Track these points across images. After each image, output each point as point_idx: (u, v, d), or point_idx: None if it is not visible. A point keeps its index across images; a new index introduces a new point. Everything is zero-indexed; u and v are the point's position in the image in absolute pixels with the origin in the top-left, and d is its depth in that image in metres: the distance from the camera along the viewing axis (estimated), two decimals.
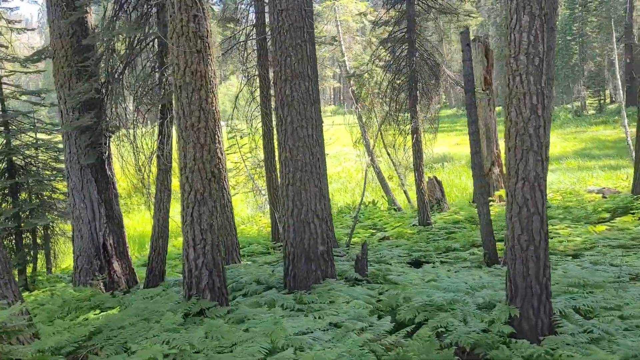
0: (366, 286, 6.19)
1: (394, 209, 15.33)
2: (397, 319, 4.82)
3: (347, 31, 16.92)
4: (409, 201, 15.85)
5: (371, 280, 6.97)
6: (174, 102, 5.25)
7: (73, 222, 7.57)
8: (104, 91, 7.24)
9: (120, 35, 6.72)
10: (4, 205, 9.38)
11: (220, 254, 5.30)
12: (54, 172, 9.41)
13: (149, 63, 7.09)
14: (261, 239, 12.59)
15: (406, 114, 12.18)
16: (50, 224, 9.65)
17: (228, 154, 14.99)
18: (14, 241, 9.52)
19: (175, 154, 7.40)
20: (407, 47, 12.00)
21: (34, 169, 9.24)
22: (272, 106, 11.69)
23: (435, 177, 14.31)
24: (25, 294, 8.03)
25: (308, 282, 6.40)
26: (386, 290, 6.04)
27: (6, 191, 9.17)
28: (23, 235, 9.34)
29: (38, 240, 9.81)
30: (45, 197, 9.60)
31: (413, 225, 12.60)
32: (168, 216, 7.46)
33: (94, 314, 5.33)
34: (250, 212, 17.26)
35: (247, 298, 5.99)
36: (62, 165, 9.57)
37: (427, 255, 8.95)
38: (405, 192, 15.86)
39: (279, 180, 6.59)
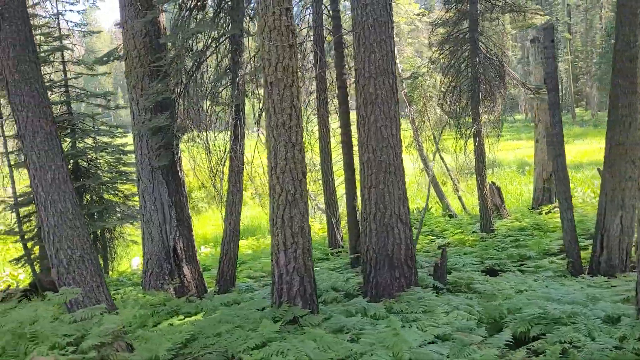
0: (462, 295, 5.81)
1: (449, 215, 14.84)
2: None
3: (398, 33, 16.57)
4: (464, 207, 15.33)
5: (452, 289, 6.61)
6: (263, 99, 5.02)
7: (143, 224, 7.44)
8: (177, 91, 7.11)
9: (194, 34, 6.57)
10: None
11: (311, 258, 5.03)
12: (117, 175, 9.38)
13: (223, 63, 6.93)
14: (316, 245, 12.29)
15: (467, 118, 11.76)
16: (112, 227, 9.60)
17: None
18: None
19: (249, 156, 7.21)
20: (468, 48, 11.60)
21: (98, 171, 9.22)
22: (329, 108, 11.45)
23: (494, 183, 13.77)
24: None
25: (391, 290, 6.08)
26: (471, 300, 5.69)
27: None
28: None
29: (98, 244, 9.78)
30: (108, 200, 9.56)
31: (473, 232, 12.13)
32: (239, 219, 7.27)
33: (179, 320, 5.12)
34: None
35: (330, 306, 5.71)
36: (125, 169, 9.53)
37: (501, 264, 8.50)
38: (459, 197, 15.35)
39: (360, 182, 6.29)
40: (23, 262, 9.08)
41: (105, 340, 3.21)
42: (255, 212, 19.15)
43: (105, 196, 9.73)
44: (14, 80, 4.52)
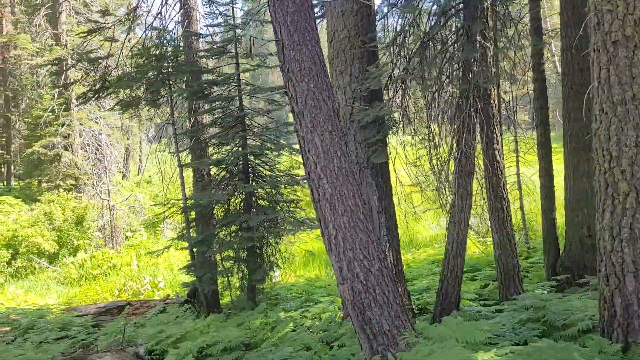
0: None
1: None
2: None
3: None
4: None
5: None
6: (593, 66, 3.75)
7: None
8: (395, 76, 6.04)
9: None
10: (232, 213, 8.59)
11: None
12: (287, 178, 8.46)
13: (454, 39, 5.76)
14: (478, 261, 10.80)
15: None
16: (277, 236, 8.68)
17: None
18: (239, 253, 8.66)
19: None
20: None
21: (270, 173, 8.37)
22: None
23: None
24: (281, 314, 7.01)
25: None
26: None
27: (242, 196, 8.36)
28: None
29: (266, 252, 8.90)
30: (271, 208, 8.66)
31: None
32: (468, 229, 6.02)
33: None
34: (434, 230, 15.59)
35: None
36: (299, 172, 8.64)
37: None
38: None
39: None
40: (192, 271, 8.34)
41: None
42: None
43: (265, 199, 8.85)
44: (293, 42, 3.56)
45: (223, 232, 8.65)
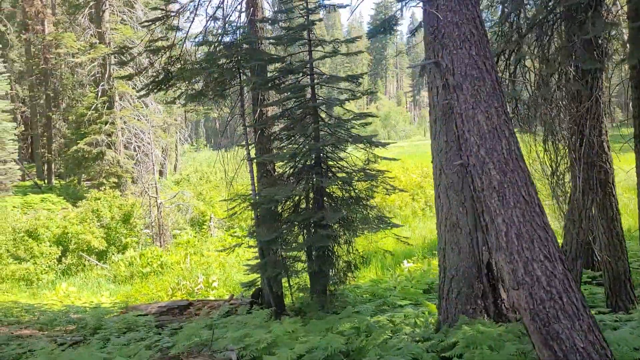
0: None
1: None
2: None
3: None
4: None
5: None
6: None
7: (445, 231, 5.81)
8: (506, 54, 5.42)
9: None
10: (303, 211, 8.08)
11: None
12: (360, 174, 7.90)
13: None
14: None
15: None
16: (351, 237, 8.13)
17: None
18: (309, 252, 8.16)
19: None
20: None
21: (344, 168, 7.83)
22: None
23: None
24: (368, 319, 6.45)
25: None
26: None
27: (310, 194, 7.84)
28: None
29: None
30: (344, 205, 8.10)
31: None
32: (589, 228, 5.38)
33: None
34: None
35: None
36: (374, 166, 8.08)
37: None
38: None
39: None
40: (261, 270, 7.87)
41: None
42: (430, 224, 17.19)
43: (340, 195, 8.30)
44: (450, 2, 3.02)
45: (287, 231, 8.16)
